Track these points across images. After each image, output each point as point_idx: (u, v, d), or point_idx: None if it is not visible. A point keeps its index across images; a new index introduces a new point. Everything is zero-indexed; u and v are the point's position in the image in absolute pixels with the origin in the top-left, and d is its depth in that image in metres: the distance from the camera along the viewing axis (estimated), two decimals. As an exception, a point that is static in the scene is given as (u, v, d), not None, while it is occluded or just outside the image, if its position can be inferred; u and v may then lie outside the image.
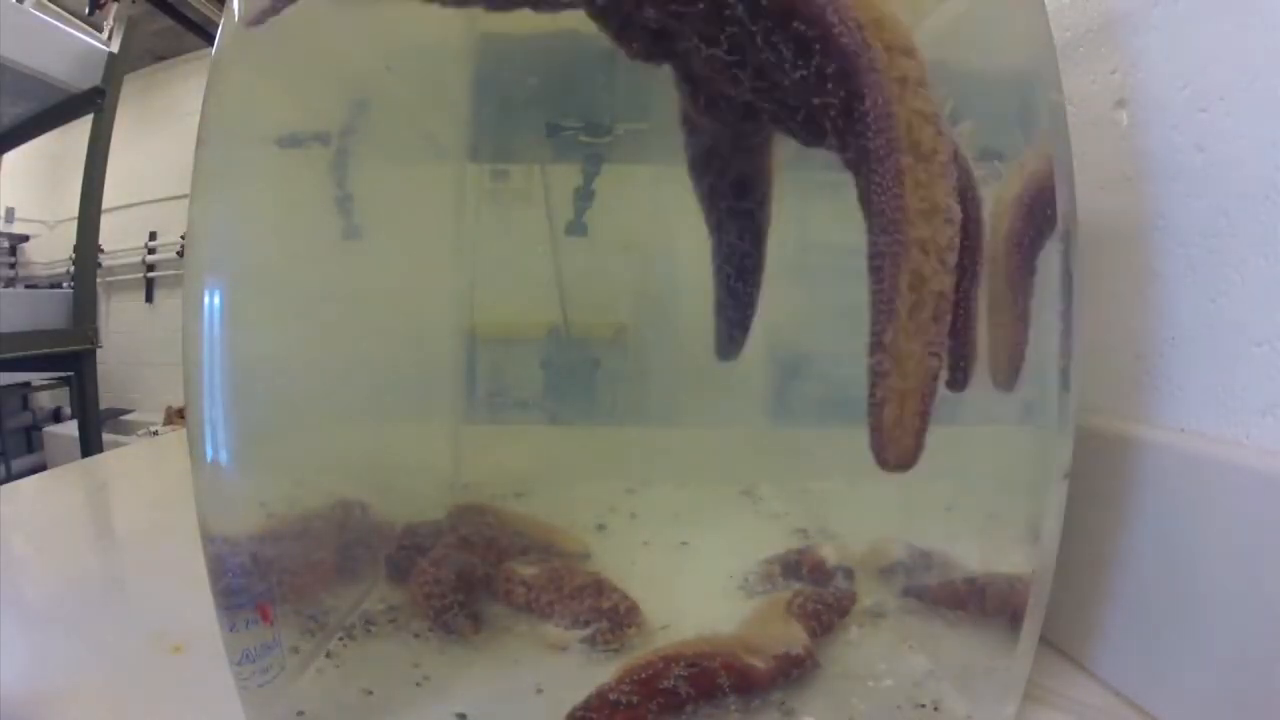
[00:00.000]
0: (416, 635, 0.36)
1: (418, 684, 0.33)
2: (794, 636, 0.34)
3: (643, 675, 0.31)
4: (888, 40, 0.23)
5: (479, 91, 0.42)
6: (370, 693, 0.32)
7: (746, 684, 0.31)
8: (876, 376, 0.23)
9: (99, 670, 0.36)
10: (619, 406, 0.48)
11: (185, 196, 0.29)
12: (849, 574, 0.40)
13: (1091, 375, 0.36)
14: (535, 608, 0.38)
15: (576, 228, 0.42)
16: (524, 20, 0.28)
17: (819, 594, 0.38)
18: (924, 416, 0.23)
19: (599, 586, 0.38)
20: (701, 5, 0.24)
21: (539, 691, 0.33)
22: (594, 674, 0.32)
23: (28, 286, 2.90)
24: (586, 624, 0.36)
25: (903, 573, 0.40)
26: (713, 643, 0.33)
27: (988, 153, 0.34)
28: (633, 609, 0.36)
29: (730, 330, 0.34)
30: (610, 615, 0.36)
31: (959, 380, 0.30)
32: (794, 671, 0.32)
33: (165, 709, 0.33)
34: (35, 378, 2.71)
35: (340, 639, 0.36)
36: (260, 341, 0.32)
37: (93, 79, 1.72)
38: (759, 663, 0.32)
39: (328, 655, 0.35)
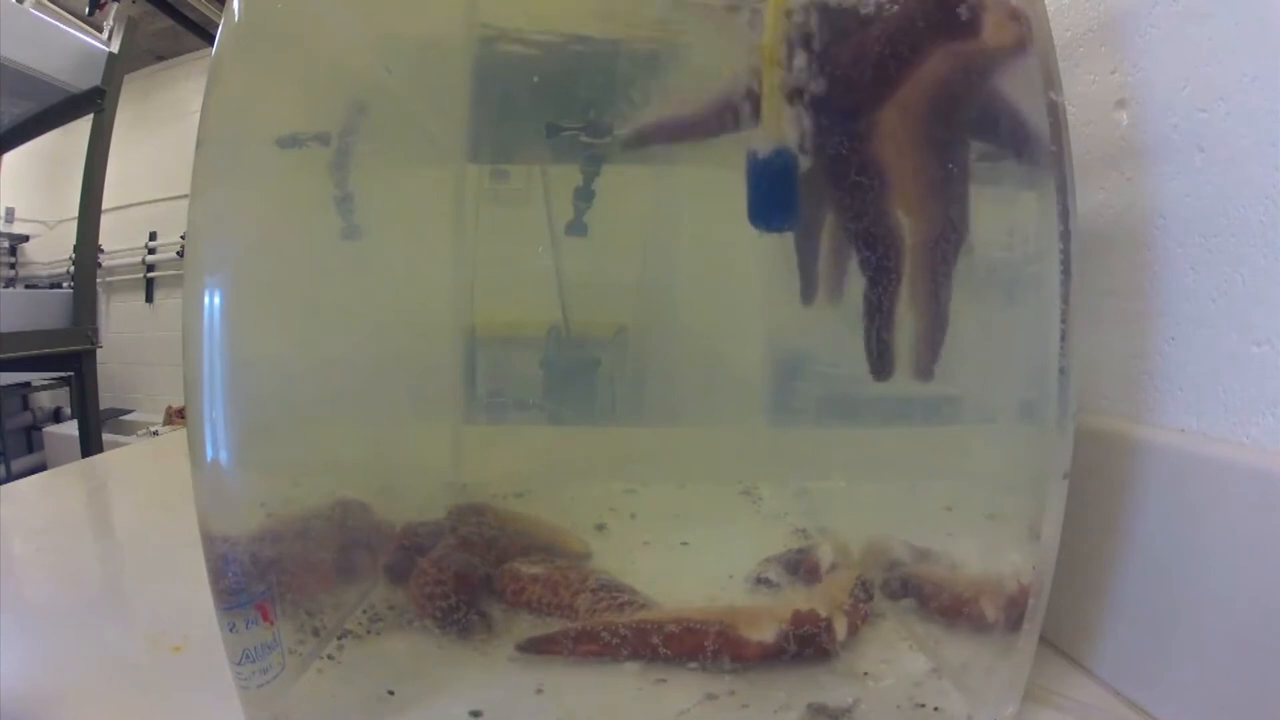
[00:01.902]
0: (413, 635, 0.36)
1: (424, 683, 0.33)
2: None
3: (631, 625, 0.33)
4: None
5: (479, 92, 0.41)
6: (393, 692, 0.32)
7: (737, 653, 0.33)
8: None
9: (99, 670, 0.36)
10: (619, 406, 0.48)
11: (185, 196, 0.29)
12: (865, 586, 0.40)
13: (1091, 375, 0.36)
14: (549, 605, 0.38)
15: (576, 228, 0.42)
16: (524, 21, 0.28)
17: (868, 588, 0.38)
18: None
19: (615, 584, 0.38)
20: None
21: (539, 691, 0.33)
22: (595, 674, 0.32)
23: (28, 286, 2.90)
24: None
25: (900, 576, 0.40)
26: (717, 612, 0.34)
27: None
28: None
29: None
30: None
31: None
32: (803, 636, 0.33)
33: (165, 709, 0.33)
34: (35, 378, 2.71)
35: (340, 639, 0.36)
36: (260, 341, 0.32)
37: (93, 79, 1.73)
38: (758, 636, 0.33)
39: (328, 656, 0.35)
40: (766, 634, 0.33)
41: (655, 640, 0.33)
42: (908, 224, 0.32)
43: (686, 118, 0.36)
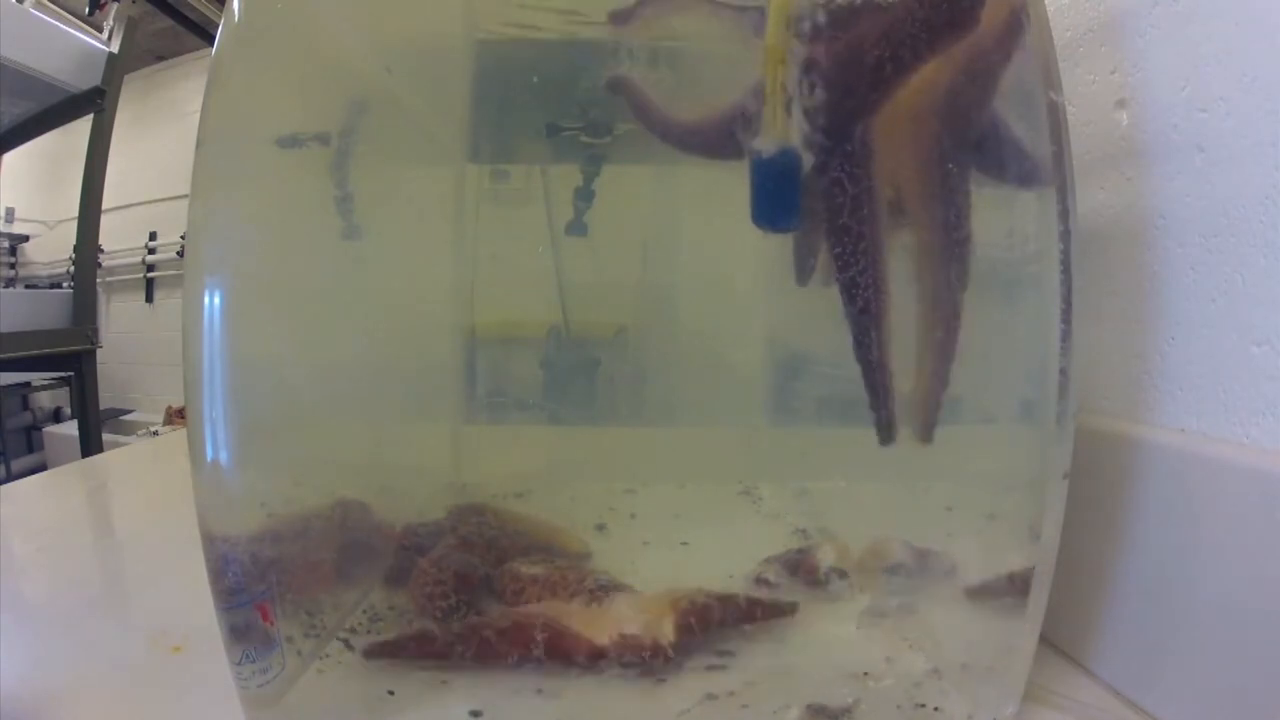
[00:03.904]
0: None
1: (424, 683, 0.33)
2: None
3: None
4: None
5: (479, 92, 0.42)
6: (392, 692, 0.32)
7: (568, 652, 0.33)
8: None
9: (99, 670, 0.36)
10: (619, 406, 0.48)
11: (185, 196, 0.29)
12: (843, 575, 0.40)
13: (1091, 375, 0.36)
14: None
15: (576, 228, 0.42)
16: (524, 22, 0.28)
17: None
18: None
19: (614, 584, 0.38)
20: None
21: (539, 692, 0.33)
22: (595, 674, 0.32)
23: (28, 286, 2.90)
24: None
25: (903, 574, 0.40)
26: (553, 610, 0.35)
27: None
28: None
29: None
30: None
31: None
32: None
33: (165, 709, 0.33)
34: (35, 378, 2.71)
35: (341, 639, 0.36)
36: (260, 341, 0.32)
37: (93, 79, 1.73)
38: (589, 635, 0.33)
39: (328, 655, 0.35)
40: (599, 636, 0.33)
41: (489, 634, 0.33)
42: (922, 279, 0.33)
43: (689, 123, 0.36)
